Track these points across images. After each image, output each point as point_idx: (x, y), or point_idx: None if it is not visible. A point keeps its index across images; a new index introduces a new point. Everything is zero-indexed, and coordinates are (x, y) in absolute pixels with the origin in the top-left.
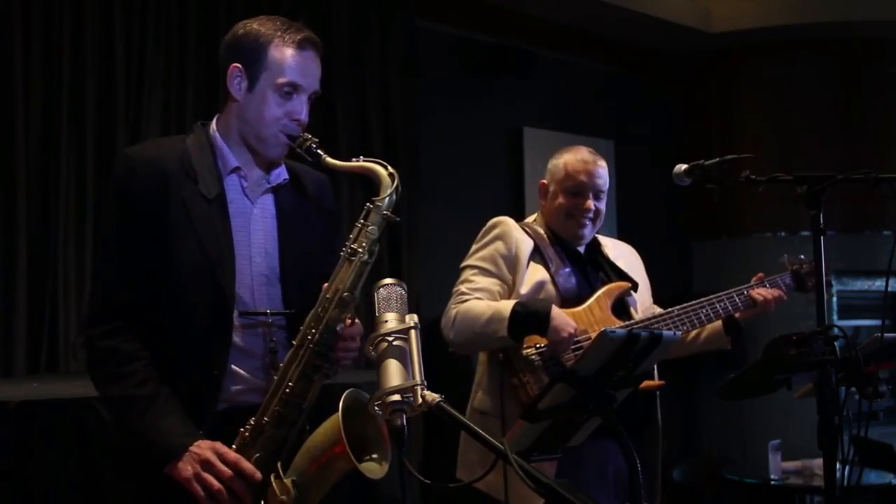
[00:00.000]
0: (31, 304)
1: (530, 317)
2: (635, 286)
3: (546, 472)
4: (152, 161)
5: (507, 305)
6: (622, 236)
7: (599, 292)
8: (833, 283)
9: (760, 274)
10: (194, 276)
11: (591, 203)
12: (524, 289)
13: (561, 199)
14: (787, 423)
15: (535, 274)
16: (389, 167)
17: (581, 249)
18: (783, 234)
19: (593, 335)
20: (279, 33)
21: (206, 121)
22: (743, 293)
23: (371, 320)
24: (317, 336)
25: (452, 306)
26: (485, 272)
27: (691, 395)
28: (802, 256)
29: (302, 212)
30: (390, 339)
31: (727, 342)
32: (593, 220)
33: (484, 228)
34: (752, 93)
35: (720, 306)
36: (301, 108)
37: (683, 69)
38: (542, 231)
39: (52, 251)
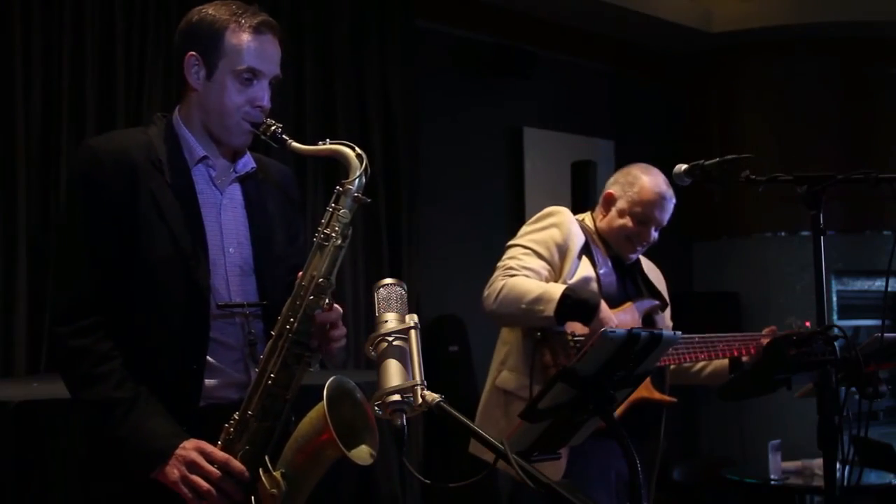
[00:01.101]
0: (31, 304)
1: (580, 304)
2: (665, 305)
3: (557, 470)
4: (118, 152)
5: (557, 288)
6: None
7: (634, 302)
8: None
9: (773, 327)
10: (167, 269)
11: (651, 235)
12: (571, 281)
13: (627, 222)
14: (787, 423)
15: (583, 269)
16: (357, 148)
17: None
18: (783, 234)
19: None
20: (235, 18)
21: (165, 112)
22: (757, 340)
23: (371, 320)
24: (295, 325)
25: (500, 278)
26: (536, 255)
27: (691, 395)
28: (808, 323)
29: (269, 201)
30: (390, 339)
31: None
32: (644, 247)
33: (540, 213)
34: (752, 93)
35: (735, 345)
36: (262, 93)
37: (683, 69)
38: (591, 231)
39: (52, 251)
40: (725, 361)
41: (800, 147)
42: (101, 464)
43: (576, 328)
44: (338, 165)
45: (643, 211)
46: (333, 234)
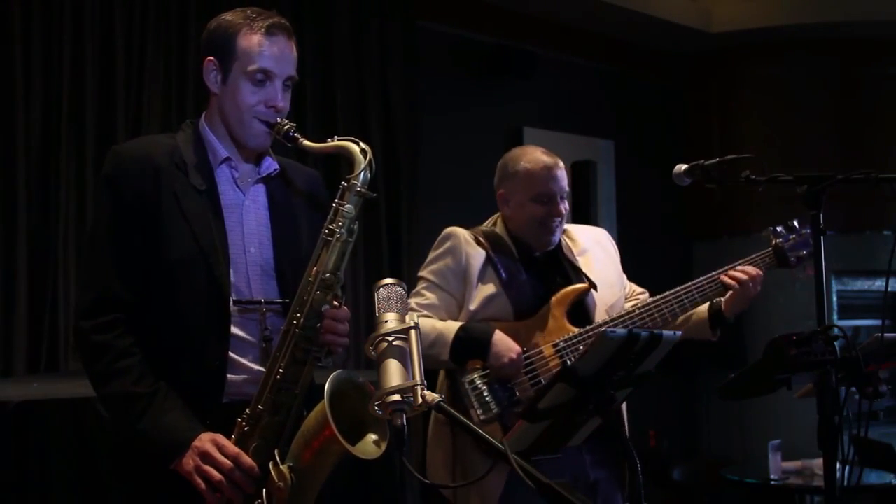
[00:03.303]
0: (31, 304)
1: (471, 342)
2: (593, 286)
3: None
4: (142, 156)
5: (451, 329)
6: (622, 236)
7: (552, 301)
8: None
9: (736, 264)
10: (188, 267)
11: (561, 207)
12: (473, 305)
13: (531, 210)
14: (787, 423)
15: (485, 289)
16: (362, 143)
17: (537, 254)
18: None
19: (545, 348)
20: (248, 22)
21: (194, 119)
22: (714, 280)
23: (371, 320)
24: (302, 320)
25: None
26: (435, 286)
27: (691, 395)
28: (797, 223)
29: (294, 204)
30: (390, 339)
31: (712, 334)
32: (560, 224)
33: (438, 239)
34: (752, 93)
35: (687, 299)
36: (276, 94)
37: (683, 69)
38: (497, 237)
39: (52, 251)
40: (701, 316)
41: (799, 147)
42: (126, 462)
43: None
44: (341, 161)
45: (540, 191)
46: (338, 230)
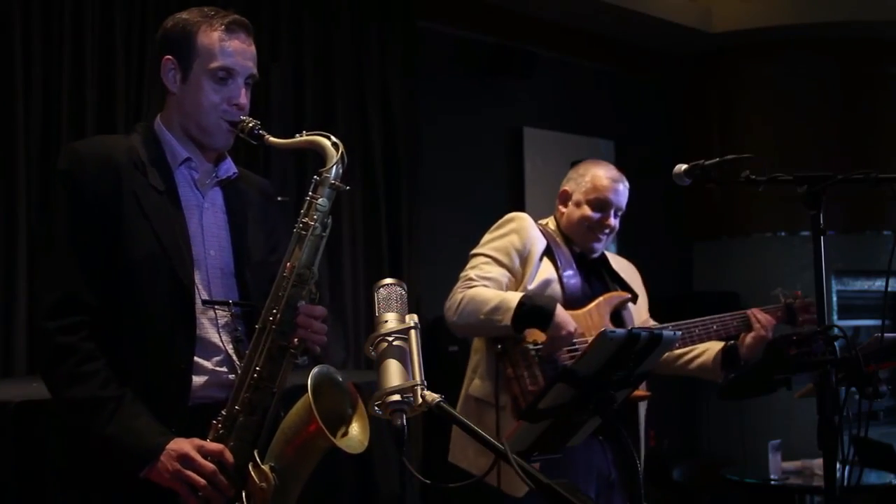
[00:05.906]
0: (31, 305)
1: (535, 310)
2: (634, 297)
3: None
4: (102, 154)
5: (514, 296)
6: (622, 236)
7: (600, 299)
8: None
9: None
10: (151, 268)
11: (611, 220)
12: (532, 285)
13: (584, 211)
14: (787, 423)
15: (544, 271)
16: (333, 137)
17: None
18: (783, 234)
19: (590, 339)
20: (206, 19)
21: (147, 122)
22: (738, 316)
23: (371, 320)
24: (278, 316)
25: (459, 290)
26: (497, 262)
27: (691, 395)
28: (799, 292)
29: (249, 209)
30: (390, 339)
31: (720, 376)
32: (608, 235)
33: (501, 220)
34: (752, 93)
35: (713, 327)
36: (238, 92)
37: (683, 69)
38: (554, 233)
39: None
40: (712, 355)
41: (800, 147)
42: (85, 471)
43: (536, 335)
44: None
45: (598, 197)
46: (312, 224)
